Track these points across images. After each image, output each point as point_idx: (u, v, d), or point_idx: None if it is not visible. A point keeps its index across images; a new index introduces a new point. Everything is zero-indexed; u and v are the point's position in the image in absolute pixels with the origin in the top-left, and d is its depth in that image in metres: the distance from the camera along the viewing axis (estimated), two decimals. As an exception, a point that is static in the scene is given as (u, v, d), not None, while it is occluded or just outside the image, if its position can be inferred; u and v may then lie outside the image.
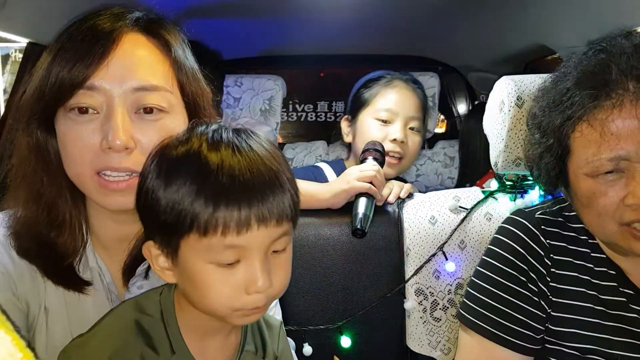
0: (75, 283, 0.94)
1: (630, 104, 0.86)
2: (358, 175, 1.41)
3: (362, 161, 1.54)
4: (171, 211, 0.74)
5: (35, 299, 0.93)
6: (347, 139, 1.84)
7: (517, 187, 1.40)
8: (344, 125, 1.86)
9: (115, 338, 0.80)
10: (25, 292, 0.91)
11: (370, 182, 1.40)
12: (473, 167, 2.23)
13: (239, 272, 0.75)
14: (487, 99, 1.35)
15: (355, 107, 1.80)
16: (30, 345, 0.48)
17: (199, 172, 0.74)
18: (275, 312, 1.12)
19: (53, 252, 0.92)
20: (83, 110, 0.85)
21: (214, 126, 0.81)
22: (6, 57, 4.11)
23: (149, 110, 0.88)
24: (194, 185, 0.73)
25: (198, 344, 0.83)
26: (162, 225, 0.76)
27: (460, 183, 2.30)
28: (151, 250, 0.80)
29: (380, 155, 1.55)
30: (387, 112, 1.71)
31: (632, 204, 0.86)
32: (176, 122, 0.92)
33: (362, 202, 1.38)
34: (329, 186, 1.43)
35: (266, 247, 0.76)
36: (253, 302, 0.76)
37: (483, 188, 1.60)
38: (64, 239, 0.93)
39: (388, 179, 1.62)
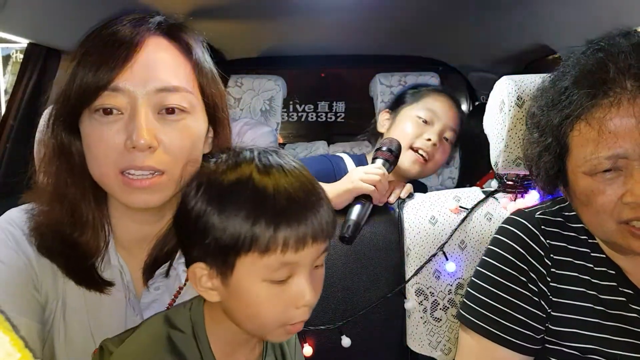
0: (97, 283, 0.96)
1: (628, 102, 0.86)
2: (363, 176, 1.39)
3: (374, 159, 1.51)
4: (229, 235, 0.77)
5: (54, 294, 0.95)
6: (382, 128, 1.90)
7: (518, 187, 1.40)
8: (383, 116, 1.92)
9: (147, 353, 0.82)
10: (47, 286, 0.94)
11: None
12: (473, 168, 2.24)
13: (290, 288, 0.79)
14: (487, 100, 1.35)
15: (399, 103, 1.88)
16: (28, 345, 0.48)
17: (256, 196, 0.77)
18: None
19: (76, 251, 0.95)
20: (107, 111, 0.88)
21: (257, 150, 0.85)
22: (7, 58, 4.11)
23: (171, 111, 0.90)
24: (253, 209, 0.76)
25: (227, 358, 0.86)
26: (217, 247, 0.78)
27: (461, 183, 2.31)
28: (196, 271, 0.82)
29: (393, 157, 1.51)
30: (430, 113, 1.77)
31: (630, 202, 0.86)
32: (197, 123, 0.94)
33: (356, 209, 1.36)
34: (332, 186, 1.43)
35: (313, 262, 0.81)
36: (300, 316, 0.80)
37: (483, 188, 1.60)
38: (86, 238, 0.95)
39: (408, 180, 1.69)
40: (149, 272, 0.99)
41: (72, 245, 0.94)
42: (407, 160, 1.72)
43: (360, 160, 1.86)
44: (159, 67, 0.90)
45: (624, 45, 0.90)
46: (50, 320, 0.95)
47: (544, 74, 1.05)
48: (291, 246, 0.77)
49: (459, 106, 1.86)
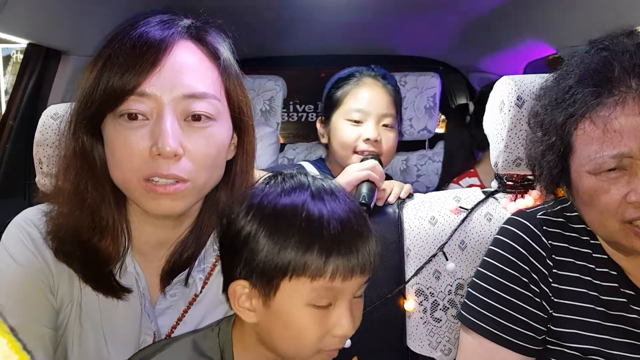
0: (115, 290, 0.95)
1: (633, 101, 0.86)
2: (358, 167, 1.46)
3: (362, 161, 1.58)
4: (280, 258, 0.78)
5: (69, 297, 0.94)
6: (323, 140, 1.84)
7: (518, 188, 1.40)
8: (319, 126, 1.85)
9: None
10: (63, 290, 0.94)
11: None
12: (451, 167, 2.24)
13: (331, 316, 0.80)
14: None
15: (328, 108, 1.79)
16: (27, 348, 0.48)
17: (310, 221, 0.78)
18: None
19: (94, 257, 0.93)
20: (133, 117, 0.86)
21: (310, 176, 0.87)
22: (7, 58, 4.11)
23: (197, 118, 0.89)
24: (306, 234, 0.78)
25: None
26: (265, 268, 0.79)
27: (441, 182, 2.31)
28: (236, 289, 0.83)
29: (377, 153, 1.62)
30: (359, 113, 1.70)
31: (635, 202, 0.86)
32: (223, 130, 0.93)
33: (364, 185, 1.42)
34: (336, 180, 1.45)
35: (355, 292, 0.83)
36: (336, 344, 0.82)
37: (460, 185, 1.61)
38: (106, 244, 0.93)
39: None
40: (166, 278, 0.98)
41: (91, 250, 0.93)
42: None
43: (323, 166, 1.84)
44: (187, 73, 0.88)
45: (629, 44, 0.90)
46: (64, 324, 0.94)
47: (544, 74, 1.05)
48: (339, 274, 0.78)
49: (386, 84, 1.75)
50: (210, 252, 1.01)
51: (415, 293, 1.38)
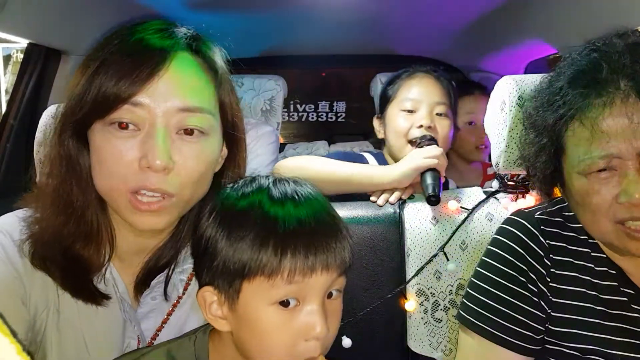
0: (94, 296, 0.93)
1: (621, 102, 0.86)
2: (425, 154, 1.47)
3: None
4: (236, 259, 0.77)
5: (44, 303, 0.91)
6: (380, 135, 1.87)
7: (519, 188, 1.40)
8: (376, 123, 1.90)
9: None
10: (36, 297, 0.90)
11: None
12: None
13: (299, 317, 0.77)
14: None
15: (383, 104, 1.84)
16: (27, 349, 0.48)
17: (264, 222, 0.77)
18: None
19: (77, 264, 0.91)
20: (123, 126, 0.84)
21: (273, 178, 0.84)
22: (7, 58, 4.11)
23: (189, 132, 0.87)
24: (260, 234, 0.76)
25: None
26: (225, 271, 0.78)
27: None
28: (206, 296, 0.81)
29: (435, 142, 1.61)
30: (411, 102, 1.72)
31: (625, 202, 0.86)
32: (214, 145, 0.92)
33: (430, 174, 1.43)
34: (392, 167, 1.47)
35: (325, 290, 0.80)
36: (309, 350, 0.78)
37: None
38: (90, 251, 0.91)
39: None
40: (142, 284, 0.96)
41: (73, 257, 0.90)
42: None
43: (382, 158, 1.85)
44: (184, 85, 0.86)
45: (619, 45, 0.90)
46: (42, 330, 0.91)
47: (545, 74, 1.05)
48: (298, 273, 0.76)
49: (438, 77, 1.78)
50: (190, 254, 0.98)
51: (416, 293, 1.38)
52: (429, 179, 1.42)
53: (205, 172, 0.91)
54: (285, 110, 3.39)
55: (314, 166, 1.48)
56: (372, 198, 1.47)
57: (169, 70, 0.85)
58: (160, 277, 0.97)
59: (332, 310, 0.81)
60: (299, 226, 0.77)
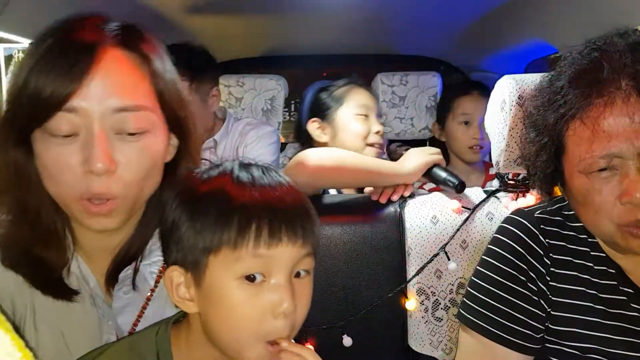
0: (64, 293, 0.93)
1: (622, 101, 0.86)
2: (429, 151, 1.55)
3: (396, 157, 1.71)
4: (201, 236, 0.77)
5: (21, 299, 0.92)
6: (323, 138, 1.92)
7: (519, 187, 1.40)
8: (314, 126, 1.93)
9: None
10: (11, 293, 0.91)
11: None
12: None
13: (265, 292, 0.76)
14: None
15: (324, 109, 1.91)
16: (29, 345, 0.48)
17: (228, 199, 0.77)
18: None
19: (41, 264, 0.91)
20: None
21: (238, 163, 0.84)
22: (9, 58, 4.12)
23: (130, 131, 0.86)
24: (224, 208, 0.76)
25: None
26: (191, 246, 0.78)
27: None
28: (173, 277, 0.81)
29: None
30: (365, 108, 1.86)
31: (627, 203, 0.86)
32: (157, 140, 0.90)
33: (440, 168, 1.50)
34: (401, 163, 1.50)
35: (291, 266, 0.78)
36: (279, 329, 0.76)
37: (423, 189, 1.64)
38: (51, 252, 0.91)
39: None
40: (111, 279, 0.96)
41: (36, 258, 0.90)
42: (370, 156, 1.77)
43: None
44: (118, 84, 0.84)
45: (620, 44, 0.90)
46: (21, 324, 0.91)
47: (545, 73, 1.06)
48: (263, 244, 0.75)
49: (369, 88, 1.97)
50: (159, 246, 0.96)
51: (416, 292, 1.38)
52: (443, 173, 1.48)
53: (152, 167, 0.90)
54: (286, 109, 3.38)
55: (345, 155, 1.49)
56: (373, 196, 1.47)
57: (100, 70, 0.82)
58: (128, 270, 0.96)
59: (300, 290, 0.80)
60: (265, 200, 0.77)
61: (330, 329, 1.39)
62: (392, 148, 1.90)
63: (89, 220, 0.87)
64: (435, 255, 1.38)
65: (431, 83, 2.47)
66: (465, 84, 2.29)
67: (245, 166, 0.83)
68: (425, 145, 2.56)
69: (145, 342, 0.84)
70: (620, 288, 0.97)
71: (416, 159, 1.50)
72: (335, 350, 1.39)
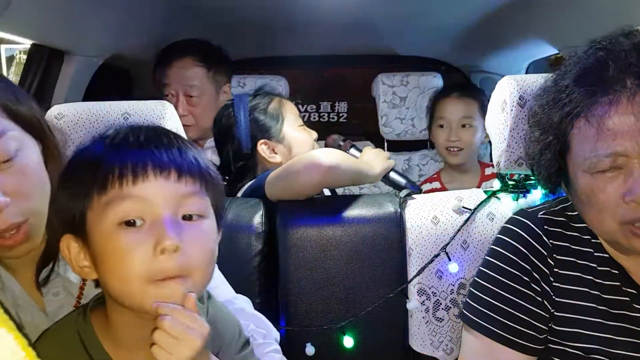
0: None
1: (627, 100, 0.86)
2: (384, 155, 1.67)
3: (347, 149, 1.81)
4: (71, 192, 0.77)
5: None
6: (277, 159, 1.79)
7: (520, 187, 1.40)
8: (263, 149, 1.79)
9: None
10: None
11: None
12: None
13: (145, 233, 0.74)
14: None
15: (265, 130, 1.80)
16: (32, 344, 0.48)
17: (94, 150, 0.78)
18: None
19: None
20: None
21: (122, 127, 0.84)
22: (11, 59, 4.12)
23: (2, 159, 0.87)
24: (89, 160, 0.77)
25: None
26: (69, 208, 0.77)
27: None
28: (69, 247, 0.80)
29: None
30: (300, 117, 1.89)
31: (631, 202, 0.86)
32: (29, 155, 0.91)
33: (395, 172, 1.66)
34: (369, 164, 1.60)
35: (172, 204, 0.76)
36: (163, 267, 0.73)
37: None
38: None
39: None
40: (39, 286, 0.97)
41: None
42: None
43: None
44: None
45: (626, 44, 0.90)
46: None
47: (546, 74, 1.06)
48: (128, 178, 0.74)
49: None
50: None
51: (417, 292, 1.38)
52: (402, 178, 1.64)
53: (39, 180, 0.92)
54: (287, 110, 3.38)
55: (342, 156, 1.50)
56: None
57: None
58: (47, 272, 0.96)
59: (191, 233, 0.77)
60: (127, 135, 0.78)
61: (331, 330, 1.39)
62: (335, 140, 1.88)
63: (7, 253, 0.90)
64: (436, 255, 1.38)
65: (432, 84, 2.47)
66: (444, 88, 2.33)
67: (127, 129, 0.82)
68: (426, 146, 2.57)
69: (67, 335, 0.81)
70: (624, 289, 0.97)
71: (380, 162, 1.63)
72: (336, 351, 1.39)
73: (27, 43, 1.75)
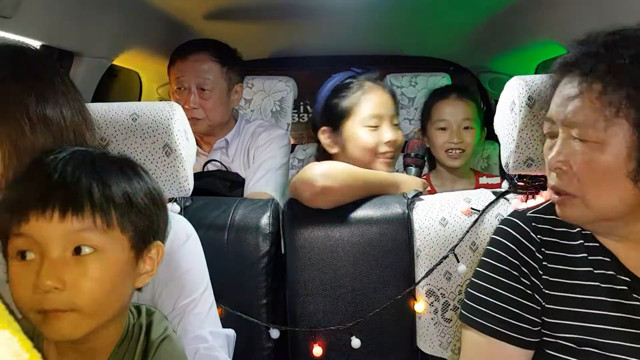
0: None
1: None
2: (416, 183, 1.66)
3: (405, 167, 1.84)
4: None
5: None
6: (333, 150, 1.81)
7: (529, 188, 1.39)
8: (324, 137, 1.81)
9: None
10: None
11: None
12: None
13: (34, 266, 0.76)
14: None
15: (334, 118, 1.78)
16: (38, 347, 0.49)
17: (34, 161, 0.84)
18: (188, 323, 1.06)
19: None
20: None
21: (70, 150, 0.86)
22: (21, 60, 4.14)
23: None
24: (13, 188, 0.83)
25: None
26: None
27: None
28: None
29: (421, 161, 1.85)
30: (375, 118, 1.72)
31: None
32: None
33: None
34: (401, 184, 1.60)
35: (59, 242, 0.77)
36: (43, 302, 0.75)
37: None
38: None
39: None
40: None
41: None
42: (382, 168, 1.72)
43: None
44: None
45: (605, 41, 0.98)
46: None
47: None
48: (21, 213, 0.76)
49: (384, 85, 1.83)
50: None
51: (425, 294, 1.38)
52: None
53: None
54: (295, 111, 3.38)
55: (343, 175, 1.45)
56: None
57: None
58: None
59: (81, 271, 0.78)
60: (38, 179, 0.79)
61: (339, 331, 1.39)
62: (413, 149, 1.87)
63: None
64: (445, 257, 1.37)
65: (441, 84, 2.46)
66: (442, 89, 2.27)
67: (69, 154, 0.83)
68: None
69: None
70: (617, 277, 0.99)
71: (412, 184, 1.62)
72: (344, 352, 1.39)
73: (36, 44, 1.75)
